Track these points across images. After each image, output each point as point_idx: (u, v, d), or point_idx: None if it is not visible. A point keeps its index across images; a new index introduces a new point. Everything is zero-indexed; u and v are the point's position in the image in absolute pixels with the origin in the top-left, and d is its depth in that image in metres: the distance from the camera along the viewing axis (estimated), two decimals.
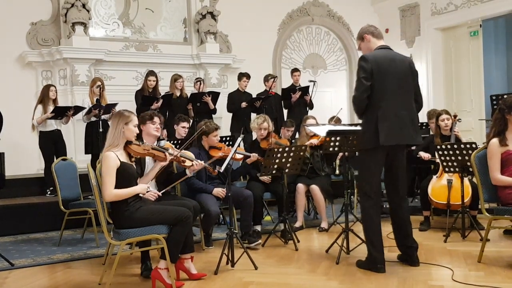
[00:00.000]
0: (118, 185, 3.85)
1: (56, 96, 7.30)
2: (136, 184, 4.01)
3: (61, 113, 7.05)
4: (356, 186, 4.38)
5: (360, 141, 4.27)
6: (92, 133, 7.25)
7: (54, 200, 6.18)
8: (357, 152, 5.55)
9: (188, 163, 4.61)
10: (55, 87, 7.44)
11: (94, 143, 7.17)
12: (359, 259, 4.36)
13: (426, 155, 5.92)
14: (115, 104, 7.16)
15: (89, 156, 7.44)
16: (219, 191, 5.16)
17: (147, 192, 4.17)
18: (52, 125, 7.25)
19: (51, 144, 7.27)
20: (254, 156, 5.47)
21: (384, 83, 4.06)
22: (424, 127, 7.50)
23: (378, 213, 4.24)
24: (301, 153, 5.31)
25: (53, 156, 7.10)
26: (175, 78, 8.02)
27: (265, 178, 5.76)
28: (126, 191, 3.89)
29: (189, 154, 4.84)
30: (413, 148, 6.14)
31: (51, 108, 7.08)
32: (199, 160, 4.75)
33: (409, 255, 4.31)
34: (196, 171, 4.82)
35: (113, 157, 3.84)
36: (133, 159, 4.06)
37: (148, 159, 4.51)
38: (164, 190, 4.43)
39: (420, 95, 4.32)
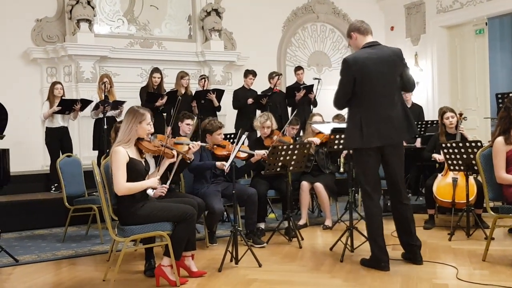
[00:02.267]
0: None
1: (63, 93, 7.30)
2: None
3: (68, 107, 7.06)
4: (359, 186, 4.36)
5: (346, 140, 4.28)
6: (99, 130, 7.26)
7: (59, 197, 6.20)
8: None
9: (184, 147, 4.60)
10: (61, 84, 7.44)
11: (100, 139, 7.18)
12: (363, 257, 4.35)
13: (440, 157, 5.83)
14: (123, 102, 7.18)
15: (94, 152, 7.46)
16: (222, 163, 5.10)
17: (155, 189, 4.17)
18: (58, 122, 7.27)
19: (57, 141, 7.29)
20: (258, 155, 5.44)
21: (367, 86, 4.05)
22: (429, 124, 7.47)
23: (380, 211, 4.22)
24: (305, 151, 5.30)
25: (59, 152, 7.12)
26: (182, 76, 8.01)
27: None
28: (138, 184, 3.89)
29: (183, 138, 4.82)
30: (417, 145, 6.15)
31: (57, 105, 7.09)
32: (194, 142, 4.75)
33: (412, 253, 4.30)
34: (193, 152, 4.77)
35: (122, 152, 3.83)
36: (143, 156, 4.06)
37: (148, 155, 4.48)
38: (169, 181, 4.40)
39: (406, 82, 4.21)
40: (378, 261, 4.15)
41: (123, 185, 3.80)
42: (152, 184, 4.00)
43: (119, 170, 3.80)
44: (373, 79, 4.04)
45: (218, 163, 5.16)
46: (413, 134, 4.40)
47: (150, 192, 4.26)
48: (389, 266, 4.13)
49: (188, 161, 4.58)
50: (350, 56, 4.20)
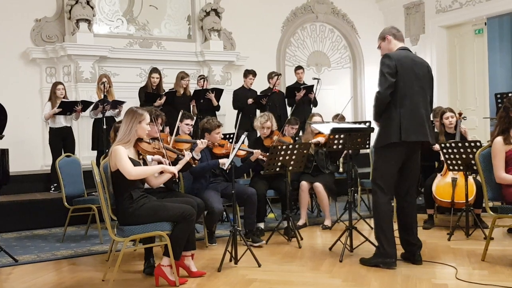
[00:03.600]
0: (122, 181, 3.85)
1: (65, 94, 7.29)
2: (142, 182, 4.03)
3: (69, 108, 7.05)
4: (371, 180, 4.37)
5: (380, 137, 4.25)
6: (98, 130, 7.25)
7: (58, 197, 6.20)
8: (372, 147, 5.53)
9: (185, 146, 4.59)
10: (63, 84, 7.41)
11: (99, 139, 7.17)
12: (363, 257, 4.36)
13: (436, 146, 5.85)
14: (122, 102, 7.16)
15: (93, 152, 7.45)
16: (224, 161, 5.07)
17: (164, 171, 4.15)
18: (61, 122, 7.25)
19: (60, 141, 7.28)
20: (257, 153, 5.43)
21: (407, 81, 4.12)
22: None
23: (391, 208, 4.28)
24: (305, 151, 5.30)
25: (60, 152, 7.09)
26: (182, 76, 8.00)
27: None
28: (148, 168, 3.99)
29: (185, 137, 4.81)
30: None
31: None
32: (199, 140, 4.78)
33: (412, 254, 4.31)
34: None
35: (122, 148, 3.86)
36: (141, 157, 4.06)
37: (149, 157, 4.47)
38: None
39: (432, 100, 4.37)
40: (384, 256, 4.16)
41: (132, 170, 3.81)
42: (164, 165, 4.03)
43: (123, 160, 3.81)
44: (411, 77, 4.14)
45: (221, 160, 5.14)
46: (433, 141, 4.46)
47: (149, 157, 4.26)
48: (396, 263, 4.16)
49: (193, 165, 4.57)
50: (390, 52, 4.28)
